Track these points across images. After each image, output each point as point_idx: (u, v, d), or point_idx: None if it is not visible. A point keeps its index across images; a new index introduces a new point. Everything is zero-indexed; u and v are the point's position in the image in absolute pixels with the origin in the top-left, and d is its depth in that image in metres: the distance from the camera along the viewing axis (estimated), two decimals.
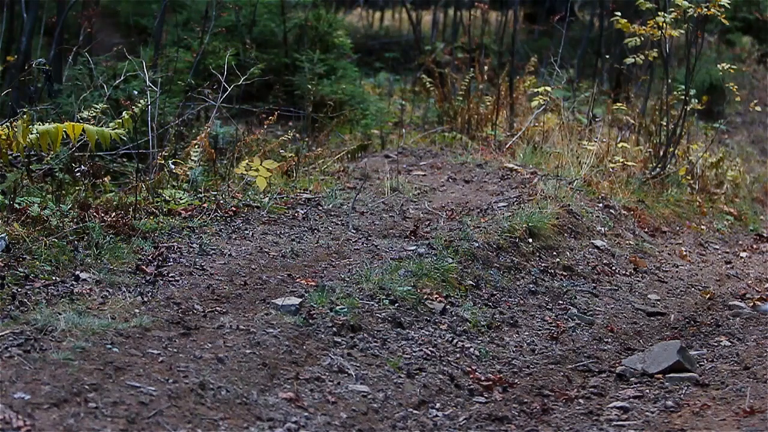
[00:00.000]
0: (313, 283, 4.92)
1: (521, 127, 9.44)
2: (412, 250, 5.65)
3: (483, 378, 4.40)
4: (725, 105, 11.88)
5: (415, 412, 3.96)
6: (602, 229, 6.98)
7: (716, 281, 6.60)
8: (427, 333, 4.68)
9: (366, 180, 7.60)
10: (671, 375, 4.48)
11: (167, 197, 6.24)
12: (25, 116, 5.02)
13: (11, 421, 3.12)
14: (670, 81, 9.36)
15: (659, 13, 8.52)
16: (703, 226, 8.14)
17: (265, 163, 6.25)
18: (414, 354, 4.42)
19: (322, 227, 6.11)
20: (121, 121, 5.62)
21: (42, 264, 4.64)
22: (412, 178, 7.85)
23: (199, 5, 11.02)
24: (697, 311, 5.81)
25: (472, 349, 4.65)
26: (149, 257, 5.04)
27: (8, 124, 5.07)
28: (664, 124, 8.93)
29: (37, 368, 3.52)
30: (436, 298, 5.04)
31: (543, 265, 6.03)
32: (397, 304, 4.81)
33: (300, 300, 4.59)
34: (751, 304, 5.93)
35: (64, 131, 4.94)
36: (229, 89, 7.27)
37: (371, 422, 3.77)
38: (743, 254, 7.59)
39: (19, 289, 4.30)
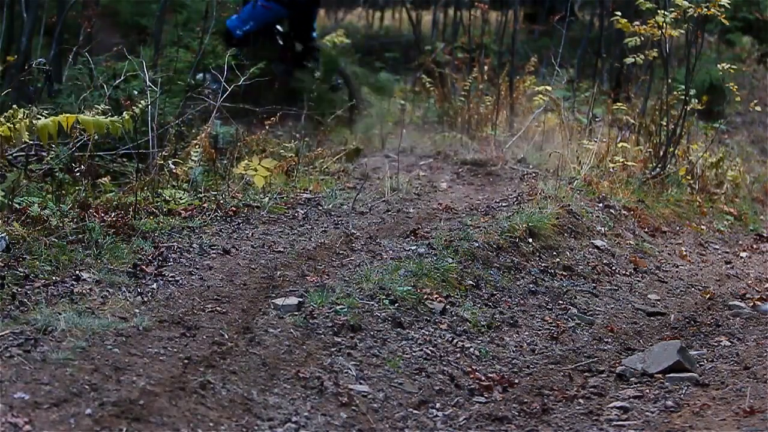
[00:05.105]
0: (313, 283, 4.92)
1: (521, 127, 9.43)
2: (412, 250, 5.64)
3: (483, 378, 4.40)
4: (725, 105, 11.85)
5: (415, 412, 3.96)
6: (602, 229, 6.97)
7: (716, 281, 6.60)
8: (427, 333, 4.68)
9: (366, 180, 7.59)
10: (671, 375, 4.48)
11: (167, 197, 6.23)
12: (23, 112, 5.03)
13: (11, 421, 3.12)
14: (670, 81, 9.35)
15: (659, 12, 8.51)
16: (703, 226, 8.13)
17: (264, 161, 6.24)
18: (414, 354, 4.42)
19: (322, 227, 6.11)
20: (121, 120, 5.62)
21: (42, 264, 4.64)
22: (412, 178, 7.84)
23: (199, 5, 11.00)
24: (697, 311, 5.81)
25: (472, 349, 4.65)
26: (149, 257, 5.04)
27: (8, 117, 5.08)
28: (664, 124, 8.91)
29: (37, 368, 3.52)
30: (436, 298, 5.04)
31: (543, 265, 6.02)
32: (397, 304, 4.81)
33: (300, 300, 4.59)
34: (751, 304, 5.92)
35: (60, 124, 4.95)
36: (229, 89, 7.27)
37: (371, 422, 3.77)
38: (743, 254, 7.58)
39: (19, 289, 4.30)
